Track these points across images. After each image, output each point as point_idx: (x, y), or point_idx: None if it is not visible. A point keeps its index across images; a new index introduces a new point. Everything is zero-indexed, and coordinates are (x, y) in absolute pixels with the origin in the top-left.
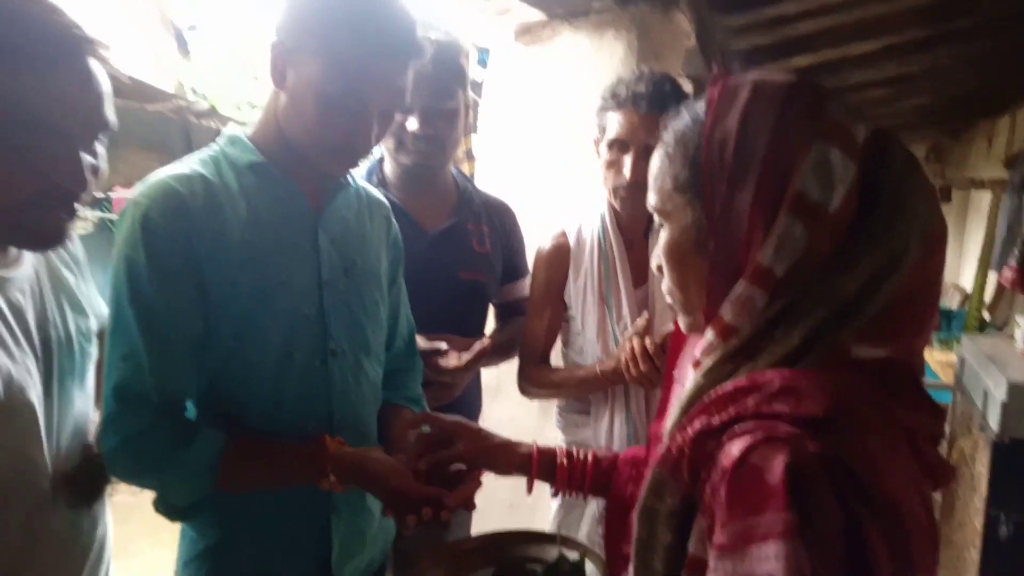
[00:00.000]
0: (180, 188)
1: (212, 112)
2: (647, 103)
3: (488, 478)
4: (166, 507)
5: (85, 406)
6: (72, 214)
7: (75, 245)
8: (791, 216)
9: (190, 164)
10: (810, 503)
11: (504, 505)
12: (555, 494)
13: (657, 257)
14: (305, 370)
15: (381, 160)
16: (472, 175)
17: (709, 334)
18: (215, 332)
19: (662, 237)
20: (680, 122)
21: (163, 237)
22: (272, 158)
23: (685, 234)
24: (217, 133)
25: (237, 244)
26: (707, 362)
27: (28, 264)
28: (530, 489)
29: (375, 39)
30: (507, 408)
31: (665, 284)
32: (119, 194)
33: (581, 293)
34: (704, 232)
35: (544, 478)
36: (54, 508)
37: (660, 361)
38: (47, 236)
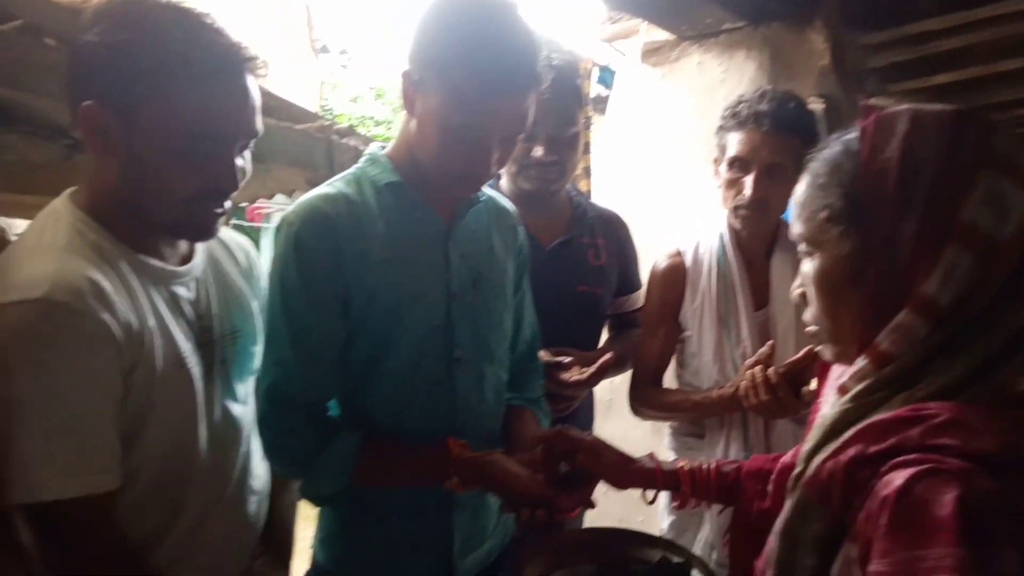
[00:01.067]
0: (327, 208)
1: (351, 131)
2: (770, 122)
3: (599, 493)
4: (309, 495)
5: (247, 399)
6: (224, 210)
7: (254, 257)
8: (959, 247)
9: (336, 184)
10: (986, 542)
11: (614, 521)
12: (679, 505)
13: (803, 285)
14: (432, 377)
15: (497, 179)
16: (588, 192)
17: (861, 361)
18: (355, 342)
19: (810, 266)
20: (831, 152)
21: (312, 255)
22: (407, 177)
23: (839, 264)
24: (356, 151)
25: (376, 260)
26: (856, 388)
27: (199, 264)
28: (653, 499)
29: (492, 73)
30: (619, 425)
31: (811, 313)
32: (256, 204)
33: (698, 314)
34: (861, 262)
35: (668, 487)
36: (209, 482)
37: (782, 391)
38: (203, 229)
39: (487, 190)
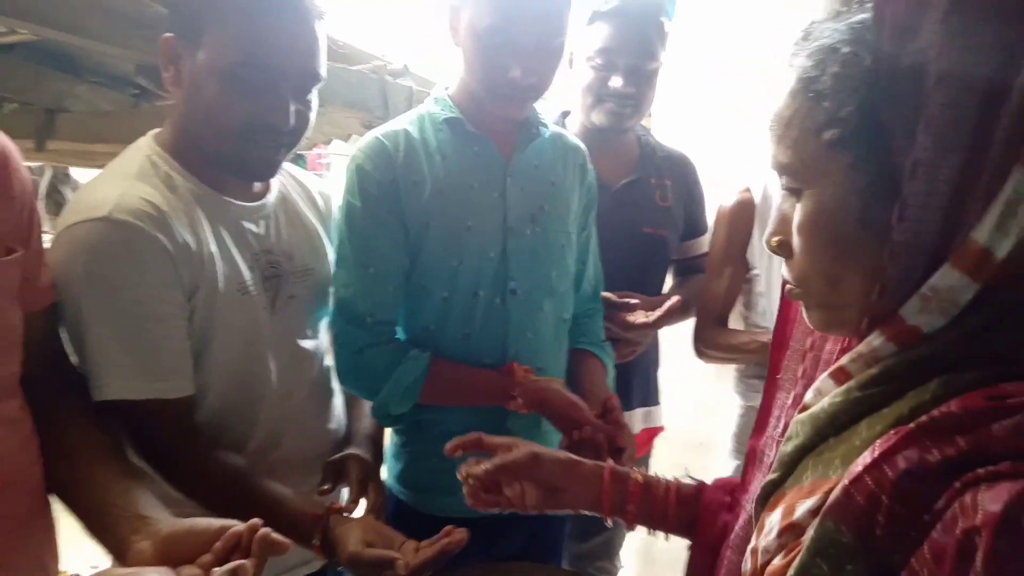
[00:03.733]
0: (387, 143)
1: (405, 71)
2: None
3: None
4: (380, 414)
5: (315, 336)
6: (277, 150)
7: (332, 202)
8: None
9: (399, 121)
10: None
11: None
12: (629, 528)
13: (781, 233)
14: (488, 307)
15: (565, 114)
16: (648, 129)
17: (876, 339)
18: (415, 270)
19: (799, 207)
20: (831, 41)
21: (373, 184)
22: (466, 112)
23: (846, 204)
24: (410, 91)
25: (430, 191)
26: (869, 373)
27: (271, 203)
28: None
29: None
30: (681, 371)
31: (795, 270)
32: (317, 150)
33: (768, 251)
34: (879, 200)
35: (614, 503)
36: (281, 406)
37: None
38: (258, 166)
39: (555, 127)
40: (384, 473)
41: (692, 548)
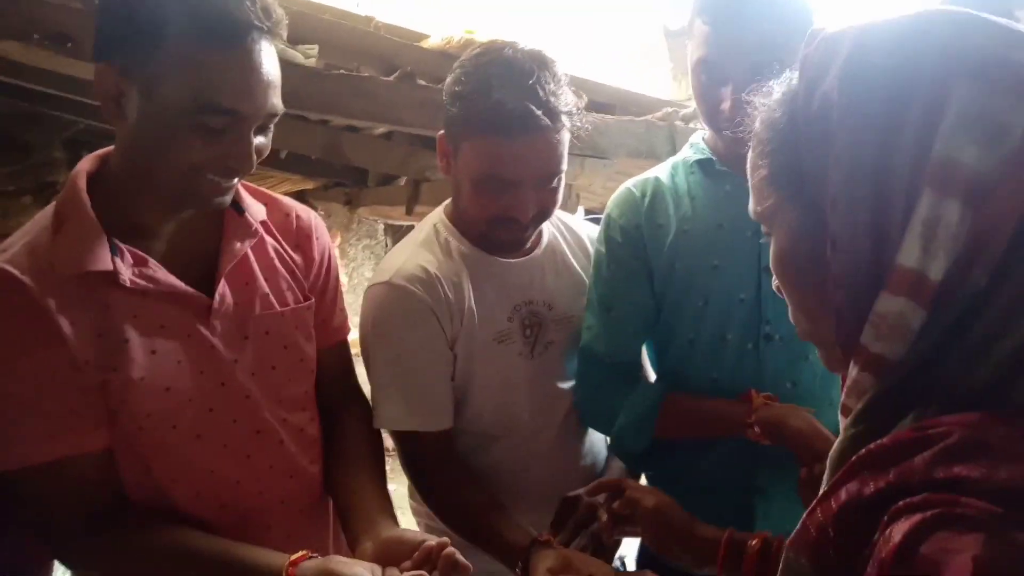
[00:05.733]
0: (635, 191)
1: (695, 115)
2: None
3: None
4: (618, 450)
5: (572, 378)
6: (524, 231)
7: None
8: (938, 194)
9: (657, 169)
10: None
11: None
12: None
13: (776, 277)
14: (738, 353)
15: None
16: None
17: (854, 371)
18: (662, 312)
19: (771, 252)
20: (768, 99)
21: (617, 231)
22: (717, 153)
23: (794, 242)
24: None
25: (675, 233)
26: (859, 407)
27: (537, 257)
28: None
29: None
30: None
31: (791, 313)
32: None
33: None
34: (815, 235)
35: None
36: (531, 440)
37: None
38: (508, 248)
39: None
40: None
41: None
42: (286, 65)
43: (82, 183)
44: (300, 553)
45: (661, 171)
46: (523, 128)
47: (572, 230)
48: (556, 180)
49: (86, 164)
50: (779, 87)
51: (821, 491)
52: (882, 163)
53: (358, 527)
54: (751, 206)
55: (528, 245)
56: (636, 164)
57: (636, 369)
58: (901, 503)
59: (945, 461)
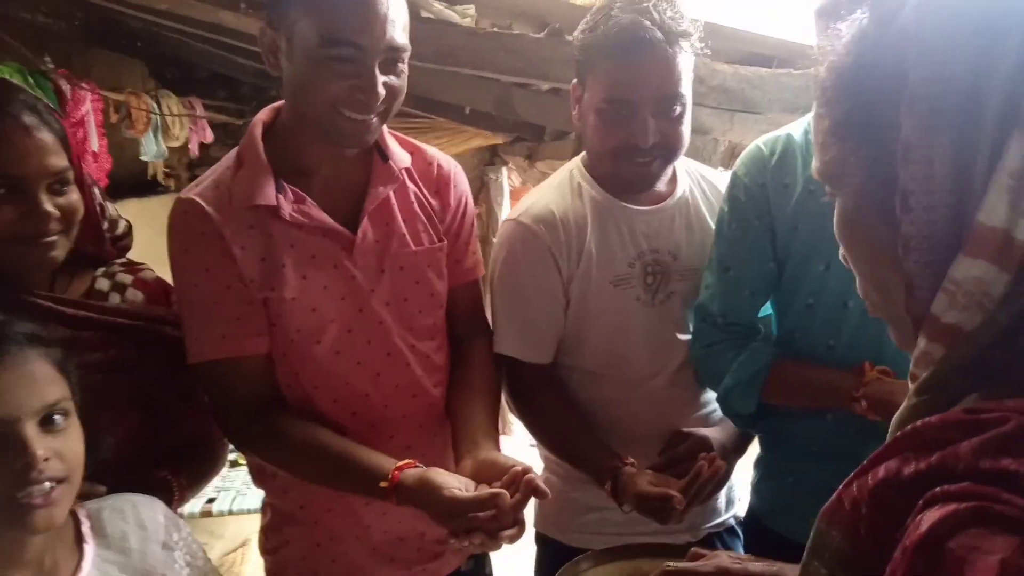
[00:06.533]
0: (764, 148)
1: None
2: None
3: None
4: (725, 409)
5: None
6: (649, 165)
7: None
8: None
9: (791, 126)
10: None
11: None
12: None
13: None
14: (860, 321)
15: None
16: None
17: (922, 341)
18: (782, 276)
19: (835, 215)
20: (833, 43)
21: (741, 190)
22: None
23: (860, 200)
24: None
25: (800, 192)
26: (923, 376)
27: (667, 207)
28: None
29: None
30: None
31: (859, 285)
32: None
33: None
34: (889, 197)
35: None
36: (644, 385)
37: None
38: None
39: None
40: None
41: None
42: (443, 24)
43: (258, 131)
44: (406, 461)
45: (795, 128)
46: (638, 47)
47: (712, 184)
48: (677, 108)
49: (263, 115)
50: (846, 29)
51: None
52: (966, 105)
53: (463, 447)
54: (814, 162)
55: (660, 191)
56: (793, 120)
57: (750, 331)
58: (939, 489)
59: (993, 451)
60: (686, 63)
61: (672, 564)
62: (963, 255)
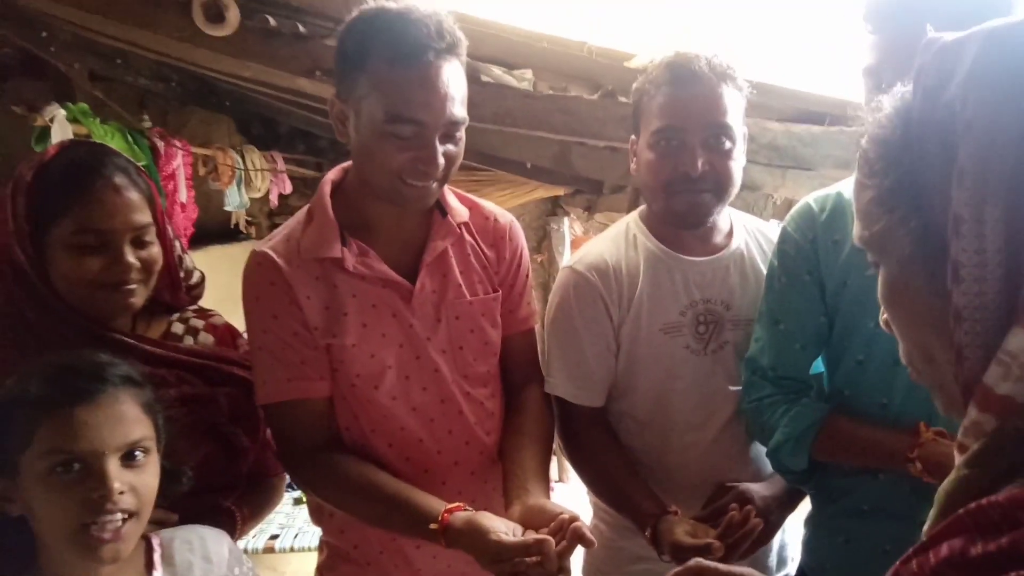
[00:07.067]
0: (814, 205)
1: None
2: None
3: None
4: (775, 464)
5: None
6: (698, 195)
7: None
8: None
9: (839, 184)
10: None
11: None
12: None
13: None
14: (911, 379)
15: None
16: None
17: (973, 411)
18: (833, 332)
19: (879, 282)
20: (876, 115)
21: (791, 246)
22: None
23: (908, 270)
24: None
25: (849, 249)
26: (974, 448)
27: (722, 258)
28: None
29: None
30: None
31: (901, 350)
32: None
33: None
34: (938, 267)
35: None
36: (689, 434)
37: None
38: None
39: None
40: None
41: None
42: (502, 87)
43: (327, 189)
44: (456, 504)
45: (845, 186)
46: (687, 77)
47: (768, 238)
48: (727, 142)
49: (332, 174)
50: (889, 102)
51: (922, 537)
52: (1015, 178)
53: (513, 492)
54: (856, 231)
55: (716, 242)
56: (846, 175)
57: (802, 385)
58: (1014, 574)
59: None
60: (734, 99)
61: None
62: (1018, 327)
